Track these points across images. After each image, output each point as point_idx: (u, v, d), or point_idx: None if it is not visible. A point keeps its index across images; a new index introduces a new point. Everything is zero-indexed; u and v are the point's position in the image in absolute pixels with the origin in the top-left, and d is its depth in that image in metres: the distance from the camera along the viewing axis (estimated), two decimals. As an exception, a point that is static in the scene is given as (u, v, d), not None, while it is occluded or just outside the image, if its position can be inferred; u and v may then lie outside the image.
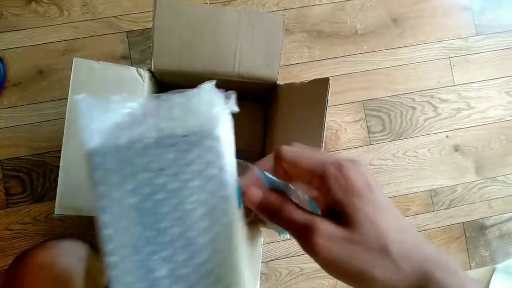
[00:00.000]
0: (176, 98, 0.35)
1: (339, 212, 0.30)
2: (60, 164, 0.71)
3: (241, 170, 0.37)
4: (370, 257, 0.29)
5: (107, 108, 0.36)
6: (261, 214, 0.33)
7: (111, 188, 0.35)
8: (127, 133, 0.35)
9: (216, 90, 0.36)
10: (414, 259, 0.29)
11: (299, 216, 0.31)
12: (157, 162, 0.34)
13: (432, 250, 0.30)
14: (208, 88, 0.35)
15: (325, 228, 0.30)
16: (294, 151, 0.33)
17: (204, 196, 0.34)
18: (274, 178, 0.33)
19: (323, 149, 0.72)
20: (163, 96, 0.35)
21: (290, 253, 1.09)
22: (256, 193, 0.33)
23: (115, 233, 0.36)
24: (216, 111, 0.35)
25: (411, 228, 0.31)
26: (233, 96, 0.37)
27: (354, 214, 0.30)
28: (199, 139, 0.34)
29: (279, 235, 0.41)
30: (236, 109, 0.37)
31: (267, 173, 0.34)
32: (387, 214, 0.30)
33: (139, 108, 0.36)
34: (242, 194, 0.34)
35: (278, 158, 0.33)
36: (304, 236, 0.30)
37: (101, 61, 0.73)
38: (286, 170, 0.33)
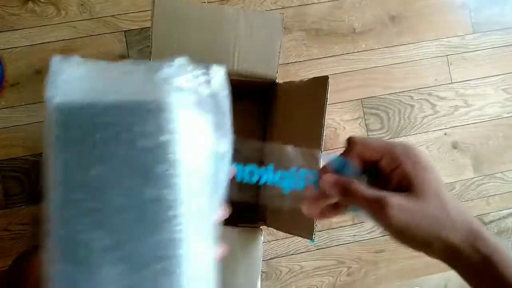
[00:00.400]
0: (143, 65, 0.35)
1: (406, 186, 0.36)
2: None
3: (308, 159, 0.42)
4: (436, 221, 0.35)
5: (77, 66, 0.35)
6: (337, 192, 0.38)
7: (68, 145, 0.33)
8: (92, 93, 0.34)
9: (186, 66, 0.36)
10: (466, 222, 0.35)
11: (371, 192, 0.36)
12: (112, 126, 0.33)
13: (475, 219, 0.36)
14: (178, 62, 0.35)
15: (396, 201, 0.35)
16: (363, 137, 0.40)
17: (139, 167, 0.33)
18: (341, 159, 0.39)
19: (322, 147, 0.72)
20: (131, 62, 0.35)
21: (290, 251, 1.09)
22: (332, 176, 0.39)
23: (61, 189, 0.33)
24: (169, 84, 0.34)
25: (458, 200, 0.39)
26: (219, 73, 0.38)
27: (421, 184, 0.35)
28: (148, 110, 0.33)
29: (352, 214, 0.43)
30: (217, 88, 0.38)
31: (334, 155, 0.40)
32: (444, 188, 0.36)
33: (106, 69, 0.36)
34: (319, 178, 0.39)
35: (352, 143, 0.40)
36: (379, 210, 0.35)
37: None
38: (358, 153, 0.39)
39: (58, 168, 0.33)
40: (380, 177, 0.39)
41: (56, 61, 0.35)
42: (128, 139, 0.33)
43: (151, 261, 0.33)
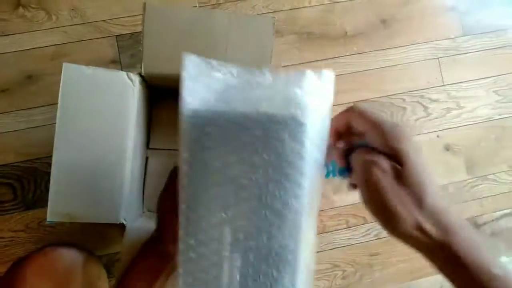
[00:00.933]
0: (276, 79, 0.39)
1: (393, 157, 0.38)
2: (51, 170, 0.70)
3: None
4: (408, 200, 0.36)
5: (211, 71, 0.38)
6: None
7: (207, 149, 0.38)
8: (225, 103, 0.38)
9: (312, 77, 0.41)
10: (442, 215, 0.36)
11: (368, 154, 0.40)
12: (248, 137, 0.37)
13: (456, 215, 0.37)
14: (306, 74, 0.40)
15: (384, 163, 0.38)
16: (366, 106, 0.42)
17: (280, 178, 0.37)
18: None
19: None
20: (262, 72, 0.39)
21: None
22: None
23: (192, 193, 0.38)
24: (306, 97, 0.38)
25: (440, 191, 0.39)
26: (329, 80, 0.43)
27: (404, 157, 0.38)
28: (285, 122, 0.37)
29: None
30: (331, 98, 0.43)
31: None
32: (427, 170, 0.38)
33: (238, 78, 0.39)
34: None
35: (351, 109, 0.43)
36: (368, 168, 0.38)
37: (90, 66, 0.72)
38: (352, 120, 0.43)
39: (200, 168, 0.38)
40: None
41: (191, 62, 0.37)
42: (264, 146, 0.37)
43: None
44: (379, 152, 0.40)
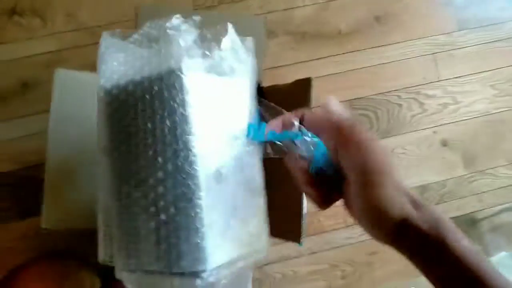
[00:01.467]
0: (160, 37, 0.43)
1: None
2: (45, 177, 0.70)
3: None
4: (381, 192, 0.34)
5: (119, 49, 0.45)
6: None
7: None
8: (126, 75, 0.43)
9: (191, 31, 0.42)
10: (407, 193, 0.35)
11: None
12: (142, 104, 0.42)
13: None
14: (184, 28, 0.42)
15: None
16: (315, 114, 0.41)
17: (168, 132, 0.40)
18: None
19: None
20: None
21: (283, 256, 1.09)
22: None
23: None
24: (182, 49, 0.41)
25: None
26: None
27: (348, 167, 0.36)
28: (168, 78, 0.40)
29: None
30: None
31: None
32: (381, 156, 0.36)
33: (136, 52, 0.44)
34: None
35: (301, 111, 0.41)
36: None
37: (83, 71, 0.73)
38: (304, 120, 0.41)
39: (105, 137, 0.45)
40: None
41: (104, 42, 0.46)
42: (155, 106, 0.40)
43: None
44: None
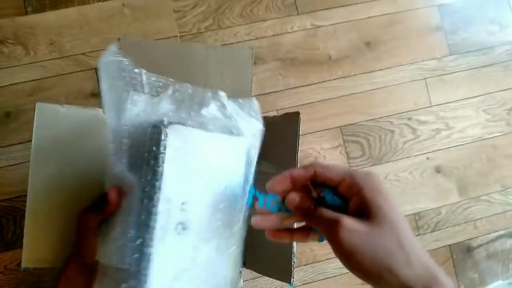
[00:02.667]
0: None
1: (365, 211, 0.35)
2: (25, 215, 0.67)
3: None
4: (388, 253, 0.33)
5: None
6: (298, 212, 0.39)
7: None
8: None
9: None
10: (422, 262, 0.34)
11: (328, 213, 0.36)
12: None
13: (434, 262, 0.35)
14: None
15: (350, 223, 0.34)
16: (326, 163, 0.39)
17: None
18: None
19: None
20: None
21: (276, 287, 1.06)
22: (294, 197, 0.39)
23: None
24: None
25: (416, 238, 0.36)
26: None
27: (378, 212, 0.35)
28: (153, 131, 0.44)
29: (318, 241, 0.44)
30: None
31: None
32: (403, 221, 0.35)
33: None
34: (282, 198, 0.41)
35: (311, 166, 0.39)
36: (331, 229, 0.35)
37: (65, 105, 0.70)
38: (317, 173, 0.39)
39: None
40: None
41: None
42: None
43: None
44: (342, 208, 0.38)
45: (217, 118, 0.49)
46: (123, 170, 0.45)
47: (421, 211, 1.13)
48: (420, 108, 1.16)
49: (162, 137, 0.43)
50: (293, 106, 1.10)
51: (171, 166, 0.44)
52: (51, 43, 1.04)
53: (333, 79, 1.13)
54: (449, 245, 1.14)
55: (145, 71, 0.48)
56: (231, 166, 0.51)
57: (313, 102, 1.12)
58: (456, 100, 1.18)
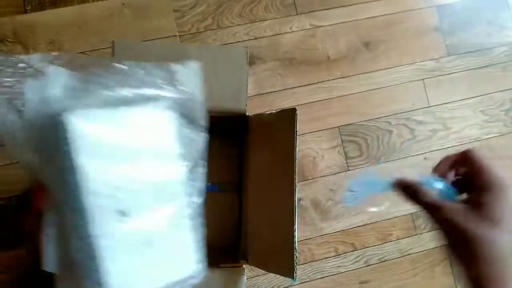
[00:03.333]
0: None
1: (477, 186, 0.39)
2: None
3: None
4: (488, 226, 0.36)
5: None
6: (405, 195, 0.41)
7: None
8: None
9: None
10: None
11: (431, 198, 0.39)
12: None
13: None
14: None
15: (449, 205, 0.38)
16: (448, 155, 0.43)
17: None
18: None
19: (296, 181, 0.69)
20: None
21: (273, 286, 1.06)
22: (404, 180, 0.42)
23: None
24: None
25: None
26: None
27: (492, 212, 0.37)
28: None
29: None
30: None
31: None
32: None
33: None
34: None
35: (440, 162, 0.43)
36: (432, 211, 0.39)
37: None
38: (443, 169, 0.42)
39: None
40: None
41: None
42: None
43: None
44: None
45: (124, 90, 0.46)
46: (40, 167, 0.43)
47: (418, 211, 1.13)
48: (418, 109, 1.16)
49: (65, 131, 0.40)
50: (292, 106, 1.10)
51: (85, 158, 0.41)
52: (50, 42, 1.04)
53: (332, 79, 1.14)
54: (445, 245, 1.14)
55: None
56: (155, 137, 0.49)
57: (311, 102, 1.12)
58: (454, 101, 1.18)
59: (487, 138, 1.18)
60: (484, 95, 1.20)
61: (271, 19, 1.13)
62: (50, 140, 0.41)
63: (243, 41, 1.10)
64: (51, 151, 0.42)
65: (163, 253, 0.49)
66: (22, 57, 0.41)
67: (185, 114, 0.52)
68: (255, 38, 1.12)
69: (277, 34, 1.13)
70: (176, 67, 0.51)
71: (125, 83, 0.46)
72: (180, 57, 0.76)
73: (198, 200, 0.53)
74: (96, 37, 1.06)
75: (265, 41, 1.12)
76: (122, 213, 0.44)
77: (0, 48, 1.03)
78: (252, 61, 1.10)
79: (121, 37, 1.06)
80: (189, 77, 0.53)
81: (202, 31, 1.09)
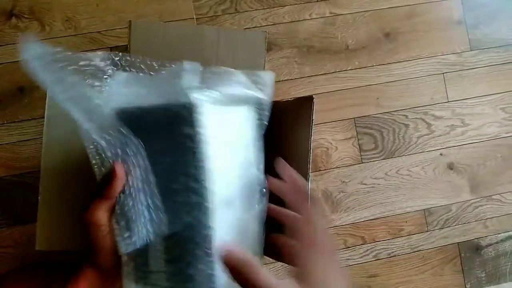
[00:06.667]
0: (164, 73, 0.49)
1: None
2: (39, 197, 0.67)
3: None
4: None
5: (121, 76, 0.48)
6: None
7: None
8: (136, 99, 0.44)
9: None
10: None
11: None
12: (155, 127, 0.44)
13: None
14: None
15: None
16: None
17: None
18: None
19: (309, 170, 0.68)
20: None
21: (281, 276, 1.05)
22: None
23: None
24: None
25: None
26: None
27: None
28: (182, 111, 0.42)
29: None
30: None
31: None
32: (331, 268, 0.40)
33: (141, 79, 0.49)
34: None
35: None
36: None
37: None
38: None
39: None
40: None
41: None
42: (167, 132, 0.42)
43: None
44: None
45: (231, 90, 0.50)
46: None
47: (431, 207, 1.12)
48: (437, 103, 1.14)
49: (198, 116, 0.41)
50: (308, 95, 1.09)
51: (208, 145, 0.42)
52: (66, 20, 1.03)
53: (349, 69, 1.11)
54: (457, 242, 1.13)
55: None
56: (246, 136, 0.53)
57: (327, 92, 1.10)
58: (474, 97, 1.15)
59: (506, 137, 1.15)
60: (505, 92, 1.16)
61: (291, 5, 1.10)
62: (169, 129, 0.42)
63: (261, 26, 1.08)
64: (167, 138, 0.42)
65: (238, 236, 0.49)
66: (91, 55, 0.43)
67: (260, 114, 0.58)
68: (273, 24, 1.09)
69: (295, 21, 1.11)
70: (260, 73, 0.57)
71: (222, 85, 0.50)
72: (198, 40, 0.75)
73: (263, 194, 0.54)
74: (112, 16, 1.04)
75: (283, 27, 1.10)
76: (228, 203, 0.46)
77: (17, 24, 1.02)
78: (269, 47, 1.08)
79: (137, 18, 1.05)
80: (267, 82, 0.58)
81: (219, 15, 1.07)
